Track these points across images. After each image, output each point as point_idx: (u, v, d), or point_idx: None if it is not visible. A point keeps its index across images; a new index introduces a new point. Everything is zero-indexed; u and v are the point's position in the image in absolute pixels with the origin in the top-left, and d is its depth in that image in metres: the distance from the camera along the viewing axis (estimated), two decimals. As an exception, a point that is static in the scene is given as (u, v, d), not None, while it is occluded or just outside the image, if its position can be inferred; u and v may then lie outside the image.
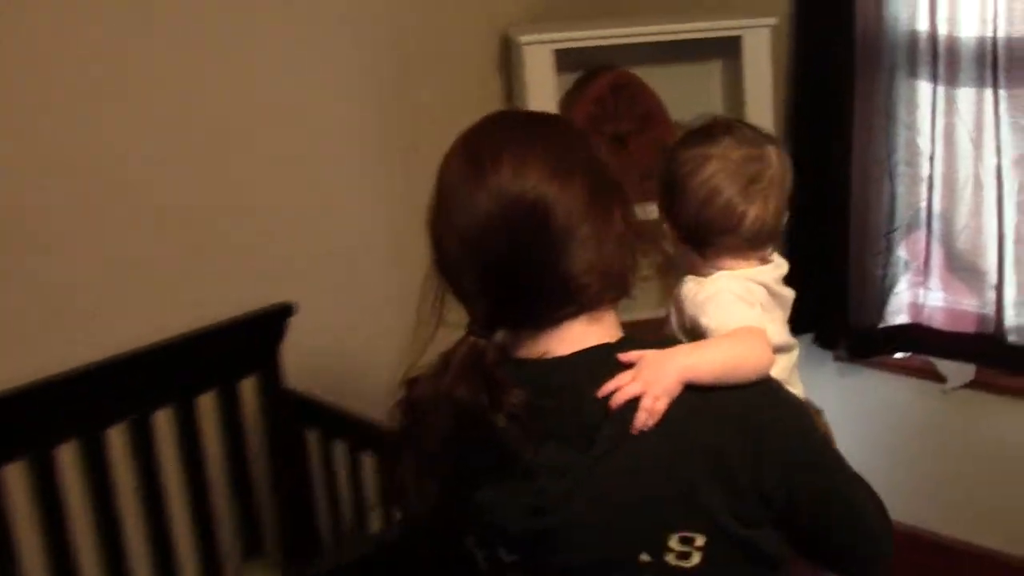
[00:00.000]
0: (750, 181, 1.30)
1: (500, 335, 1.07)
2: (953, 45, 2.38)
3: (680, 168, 1.33)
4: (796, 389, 1.33)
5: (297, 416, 2.37)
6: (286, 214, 2.32)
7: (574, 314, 1.07)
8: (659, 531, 1.04)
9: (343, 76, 2.43)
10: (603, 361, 1.06)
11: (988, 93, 2.35)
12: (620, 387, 1.03)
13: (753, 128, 1.37)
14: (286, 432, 2.35)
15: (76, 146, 1.98)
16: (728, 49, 2.54)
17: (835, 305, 2.68)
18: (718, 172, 1.30)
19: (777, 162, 1.33)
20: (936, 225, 2.56)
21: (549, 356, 1.07)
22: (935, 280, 2.62)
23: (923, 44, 2.43)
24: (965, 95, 2.41)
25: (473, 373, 1.04)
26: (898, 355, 2.73)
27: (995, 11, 2.28)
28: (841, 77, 2.53)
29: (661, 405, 1.02)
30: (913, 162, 2.54)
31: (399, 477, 1.08)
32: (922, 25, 2.43)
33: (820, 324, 2.71)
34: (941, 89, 2.43)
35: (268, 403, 2.33)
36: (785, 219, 1.37)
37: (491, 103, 2.45)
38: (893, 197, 2.58)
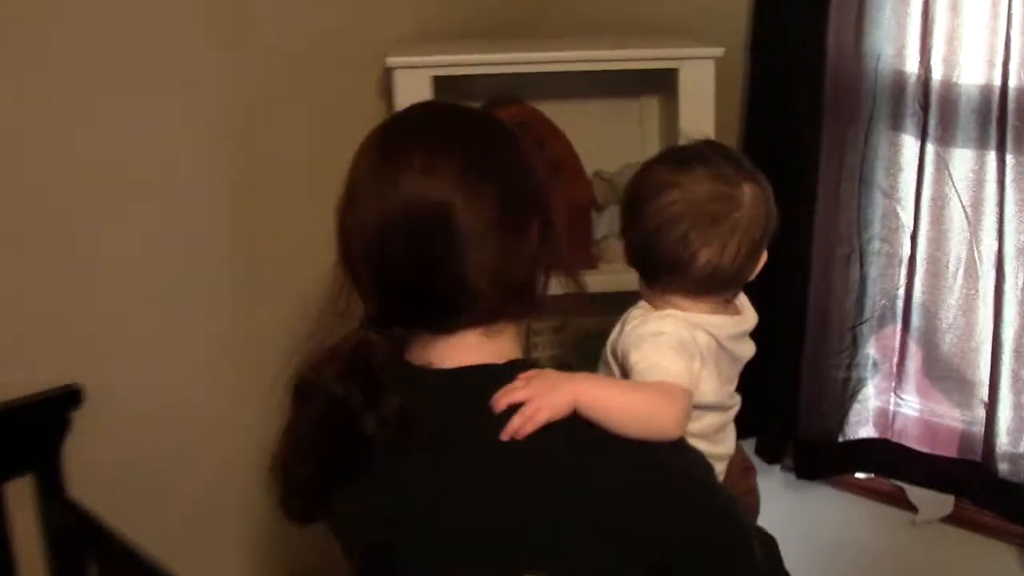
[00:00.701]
0: (711, 221, 1.21)
1: (396, 334, 1.06)
2: (949, 93, 1.88)
3: (642, 188, 1.26)
4: (719, 448, 1.27)
5: (76, 541, 1.81)
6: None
7: (469, 324, 1.05)
8: (508, 567, 0.99)
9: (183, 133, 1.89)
10: (485, 380, 1.03)
11: (991, 157, 1.85)
12: (507, 392, 0.99)
13: (738, 161, 1.26)
14: (63, 561, 1.82)
15: None
16: (668, 83, 2.01)
17: (782, 411, 2.18)
18: (678, 202, 1.21)
19: (749, 205, 1.23)
20: (916, 319, 2.06)
21: (434, 367, 1.05)
22: (910, 387, 2.12)
23: (911, 89, 1.93)
24: (961, 158, 1.90)
25: (354, 369, 1.03)
26: (860, 475, 2.24)
27: (1006, 53, 1.78)
28: (804, 126, 2.03)
29: (541, 416, 0.97)
30: (891, 239, 2.03)
31: (275, 458, 1.08)
32: (911, 65, 1.93)
33: (763, 431, 2.18)
34: (931, 148, 1.93)
35: (43, 519, 1.81)
36: (756, 266, 1.28)
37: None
38: (863, 281, 2.07)
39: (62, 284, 1.75)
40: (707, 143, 1.30)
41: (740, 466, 1.38)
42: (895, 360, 2.10)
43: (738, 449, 1.36)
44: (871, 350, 2.11)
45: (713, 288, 1.24)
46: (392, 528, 1.05)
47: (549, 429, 0.98)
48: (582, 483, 0.97)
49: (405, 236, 1.01)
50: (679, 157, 1.27)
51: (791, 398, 2.17)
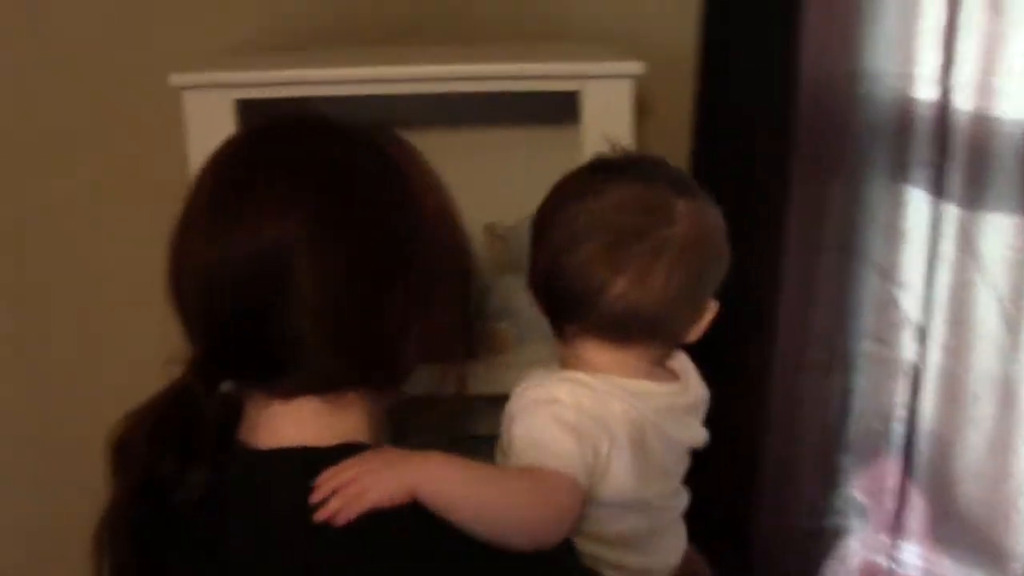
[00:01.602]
0: (627, 238, 0.94)
1: (226, 388, 0.92)
2: (981, 131, 1.27)
3: (549, 199, 1.02)
4: (652, 558, 0.99)
5: None
6: None
7: (306, 389, 0.89)
8: None
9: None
10: (306, 464, 0.85)
11: (1042, 228, 1.25)
12: (334, 472, 0.81)
13: (678, 176, 1.01)
14: None
15: None
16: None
17: (733, 568, 1.53)
18: (585, 214, 0.96)
19: (684, 223, 0.96)
20: (922, 453, 1.44)
21: (250, 445, 0.90)
22: (912, 546, 1.50)
23: (923, 125, 1.33)
24: (997, 227, 1.29)
25: (170, 427, 0.88)
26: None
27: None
28: (766, 175, 1.43)
29: (366, 500, 0.79)
30: (889, 338, 1.42)
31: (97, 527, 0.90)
32: (924, 91, 1.32)
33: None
34: (952, 211, 1.32)
35: None
36: (698, 316, 1.00)
37: (174, 169, 1.34)
38: (847, 396, 1.46)
39: None
40: (643, 154, 1.08)
41: None
42: (892, 506, 1.50)
43: (689, 558, 1.07)
44: (856, 492, 1.52)
45: (633, 334, 0.97)
46: None
47: (379, 519, 0.80)
48: None
49: (236, 276, 0.88)
50: (602, 164, 1.04)
51: (744, 549, 1.56)
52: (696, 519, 1.08)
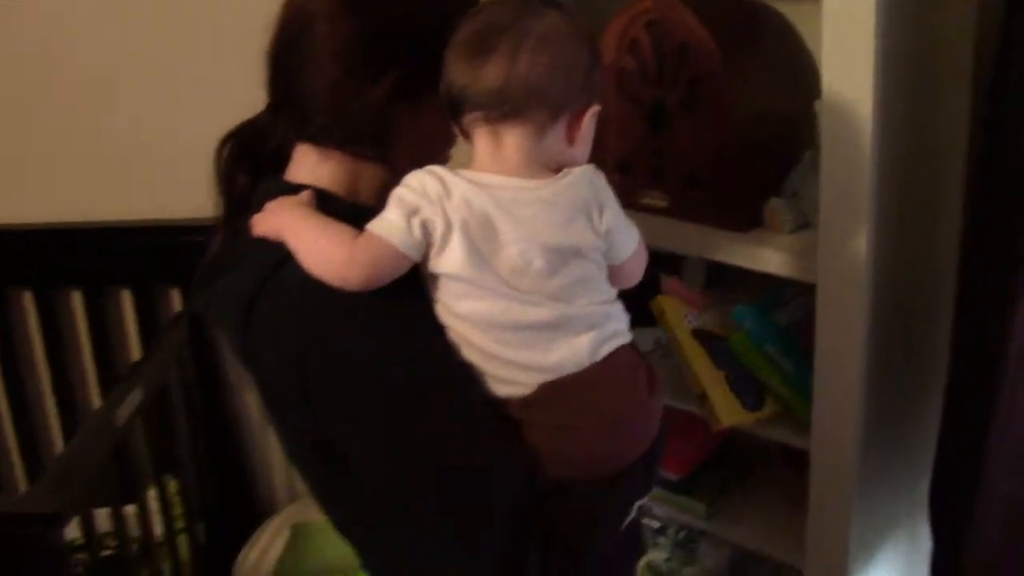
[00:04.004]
0: (491, 30, 1.02)
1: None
2: None
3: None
4: (517, 354, 1.03)
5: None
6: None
7: (307, 138, 1.12)
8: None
9: None
10: (283, 193, 1.11)
11: None
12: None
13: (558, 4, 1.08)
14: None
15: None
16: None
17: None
18: (466, 22, 1.04)
19: (549, 20, 1.03)
20: None
21: (275, 177, 1.15)
22: None
23: None
24: None
25: (249, 147, 1.16)
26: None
27: None
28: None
29: (258, 229, 1.07)
30: None
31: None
32: None
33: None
34: None
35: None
36: (580, 119, 1.06)
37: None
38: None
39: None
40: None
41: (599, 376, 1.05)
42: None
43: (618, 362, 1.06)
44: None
45: (507, 115, 1.03)
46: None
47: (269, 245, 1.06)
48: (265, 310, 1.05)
49: (278, 31, 1.10)
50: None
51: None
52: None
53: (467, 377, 1.02)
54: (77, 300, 2.29)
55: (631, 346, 1.08)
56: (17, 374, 2.35)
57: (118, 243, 2.22)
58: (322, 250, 1.02)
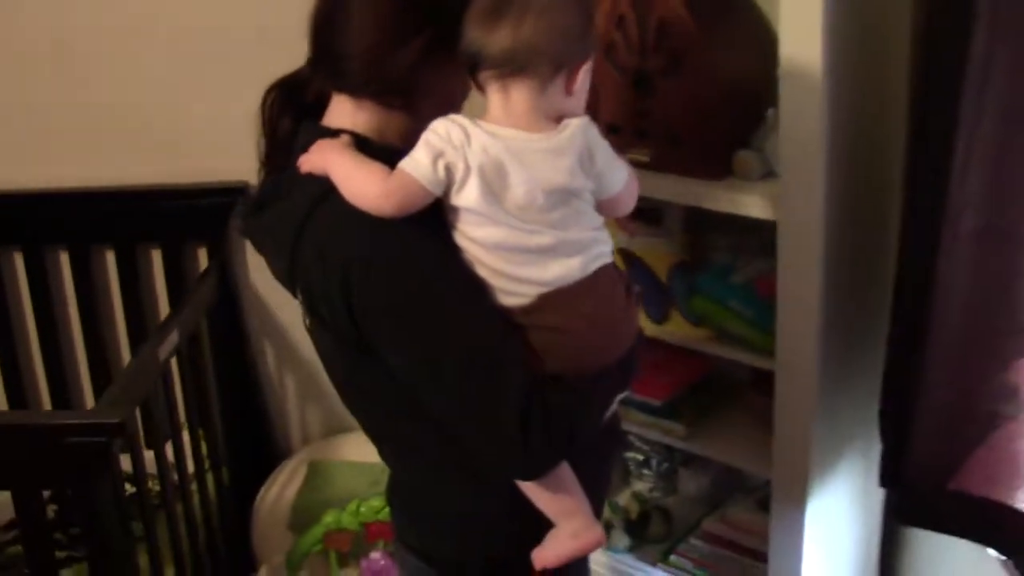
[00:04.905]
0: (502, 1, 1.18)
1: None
2: None
3: None
4: (521, 271, 1.20)
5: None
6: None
7: (344, 89, 1.26)
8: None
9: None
10: (322, 136, 1.26)
11: None
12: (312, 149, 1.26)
13: None
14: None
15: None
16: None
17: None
18: None
19: None
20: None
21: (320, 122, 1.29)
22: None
23: None
24: None
25: (291, 95, 1.33)
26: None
27: None
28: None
29: (305, 166, 1.24)
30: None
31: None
32: None
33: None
34: None
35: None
36: (576, 74, 1.21)
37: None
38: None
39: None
40: None
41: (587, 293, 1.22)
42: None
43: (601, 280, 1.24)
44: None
45: (515, 72, 1.19)
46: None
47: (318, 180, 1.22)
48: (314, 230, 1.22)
49: (316, 6, 1.25)
50: None
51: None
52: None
53: (482, 286, 1.18)
54: (110, 258, 2.46)
55: (614, 265, 1.26)
56: (53, 327, 2.48)
57: (149, 205, 2.38)
58: (361, 184, 1.17)
